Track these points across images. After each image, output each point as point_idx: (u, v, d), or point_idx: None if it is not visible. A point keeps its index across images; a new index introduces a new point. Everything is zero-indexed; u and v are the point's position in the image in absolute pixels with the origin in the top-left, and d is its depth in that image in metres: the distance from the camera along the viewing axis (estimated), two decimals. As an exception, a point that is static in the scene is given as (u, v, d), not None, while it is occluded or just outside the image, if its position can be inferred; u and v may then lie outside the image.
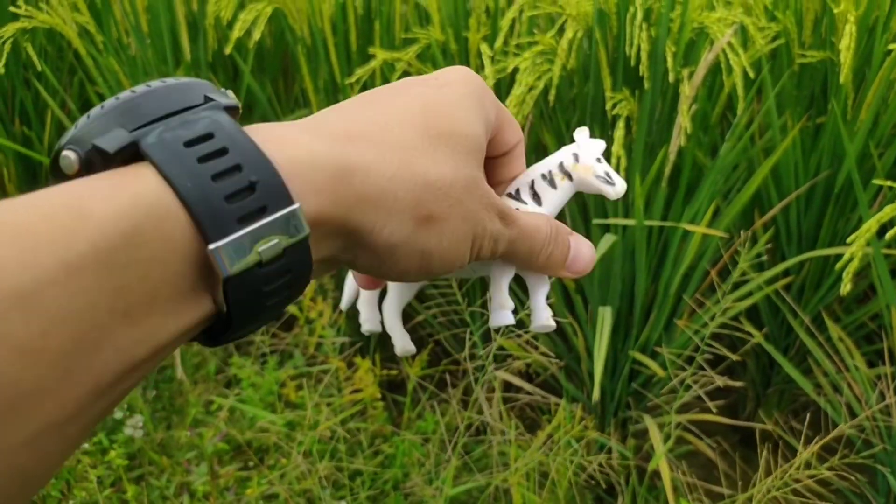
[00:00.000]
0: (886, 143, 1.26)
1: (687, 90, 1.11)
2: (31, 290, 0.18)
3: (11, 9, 1.37)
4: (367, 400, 1.21)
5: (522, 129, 0.74)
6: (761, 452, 1.01)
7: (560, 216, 0.35)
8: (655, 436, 1.12)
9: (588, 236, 1.28)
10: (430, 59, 1.33)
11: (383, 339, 1.54)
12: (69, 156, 0.22)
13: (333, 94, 1.43)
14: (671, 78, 1.13)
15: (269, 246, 0.22)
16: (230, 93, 0.26)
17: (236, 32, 1.31)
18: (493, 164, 0.33)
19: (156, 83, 0.24)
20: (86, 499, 1.04)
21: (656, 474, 1.16)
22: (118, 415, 1.23)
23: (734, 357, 1.19)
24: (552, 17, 1.35)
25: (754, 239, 1.25)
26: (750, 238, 1.21)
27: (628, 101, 1.15)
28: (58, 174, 0.23)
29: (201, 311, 0.22)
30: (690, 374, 1.08)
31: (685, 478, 1.14)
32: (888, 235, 0.94)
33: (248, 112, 1.54)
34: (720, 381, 1.06)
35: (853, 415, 1.13)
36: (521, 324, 1.17)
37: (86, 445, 1.16)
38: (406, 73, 1.30)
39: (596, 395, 1.07)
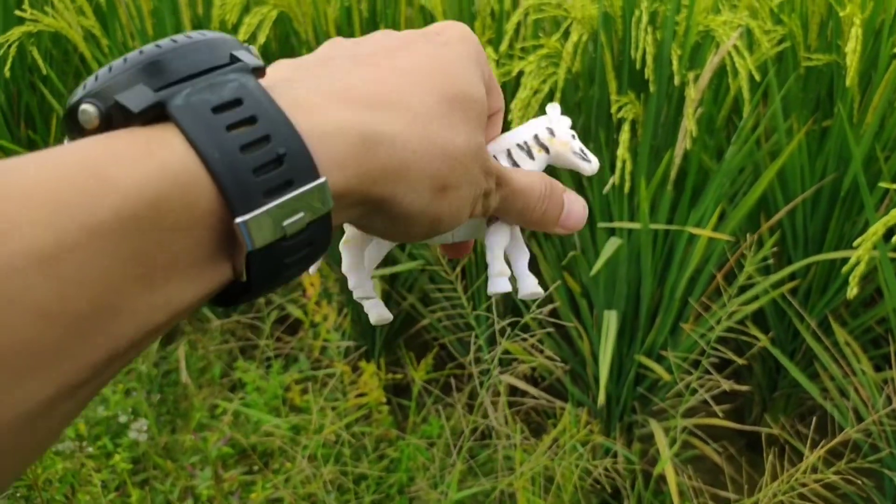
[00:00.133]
0: (893, 147, 1.26)
1: (692, 93, 1.11)
2: (51, 254, 0.18)
3: (17, 12, 1.37)
4: (372, 404, 1.21)
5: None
6: (767, 457, 1.01)
7: None
8: (661, 440, 1.11)
9: (593, 240, 1.29)
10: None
11: (388, 342, 1.54)
12: (89, 110, 0.22)
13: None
14: (677, 81, 1.13)
15: (294, 220, 0.22)
16: (254, 50, 0.25)
17: (241, 36, 1.31)
18: None
19: (181, 38, 0.24)
20: (90, 503, 1.04)
21: (662, 479, 1.16)
22: (123, 419, 1.23)
23: (740, 361, 1.19)
24: (557, 20, 1.35)
25: (760, 242, 1.25)
26: (756, 242, 1.21)
27: (634, 104, 1.15)
28: (73, 128, 0.22)
29: (220, 278, 0.22)
30: (696, 378, 1.07)
31: (691, 482, 1.13)
32: (895, 239, 0.94)
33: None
34: (726, 385, 1.05)
35: (860, 419, 1.12)
36: (527, 327, 1.17)
37: (90, 449, 1.16)
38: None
39: (601, 399, 1.07)
